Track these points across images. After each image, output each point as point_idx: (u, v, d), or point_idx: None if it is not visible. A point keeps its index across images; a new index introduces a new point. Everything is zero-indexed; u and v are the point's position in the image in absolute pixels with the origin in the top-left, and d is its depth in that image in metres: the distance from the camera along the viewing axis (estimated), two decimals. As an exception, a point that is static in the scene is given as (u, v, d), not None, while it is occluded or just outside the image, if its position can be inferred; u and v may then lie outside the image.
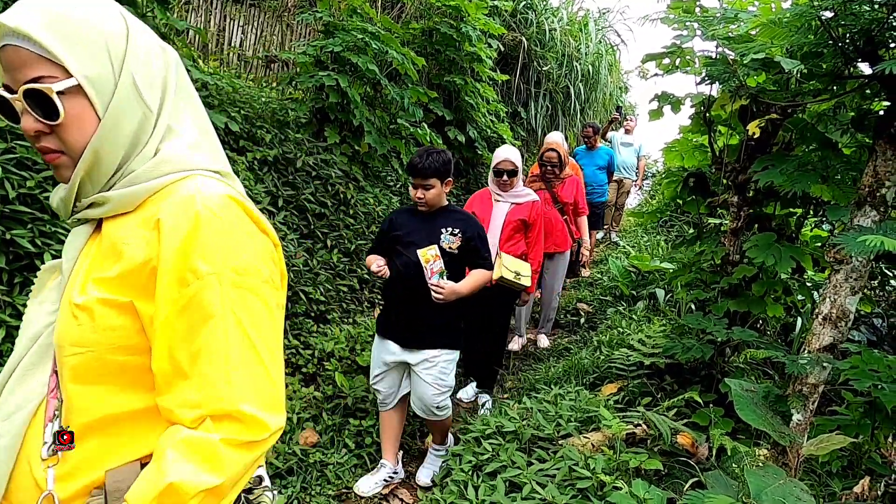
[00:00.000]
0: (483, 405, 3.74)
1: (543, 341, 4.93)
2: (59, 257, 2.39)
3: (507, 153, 3.63)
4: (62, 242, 2.41)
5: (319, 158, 4.49)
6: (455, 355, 2.75)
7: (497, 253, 3.56)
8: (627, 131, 8.16)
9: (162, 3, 3.42)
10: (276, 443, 2.72)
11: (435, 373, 2.65)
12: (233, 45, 5.96)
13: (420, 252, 2.52)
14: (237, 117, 4.02)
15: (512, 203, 3.67)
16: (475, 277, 2.69)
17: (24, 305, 2.27)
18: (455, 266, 2.67)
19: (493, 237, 3.61)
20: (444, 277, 2.58)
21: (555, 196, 4.62)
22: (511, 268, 3.47)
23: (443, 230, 2.64)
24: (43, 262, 2.31)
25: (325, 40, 4.57)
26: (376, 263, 2.65)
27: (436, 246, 2.57)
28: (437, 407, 2.70)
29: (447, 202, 2.77)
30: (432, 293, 2.55)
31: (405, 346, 2.67)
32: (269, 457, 2.58)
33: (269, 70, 6.09)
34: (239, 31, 6.02)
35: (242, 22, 6.02)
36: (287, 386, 3.18)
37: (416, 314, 2.63)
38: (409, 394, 2.84)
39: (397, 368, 2.77)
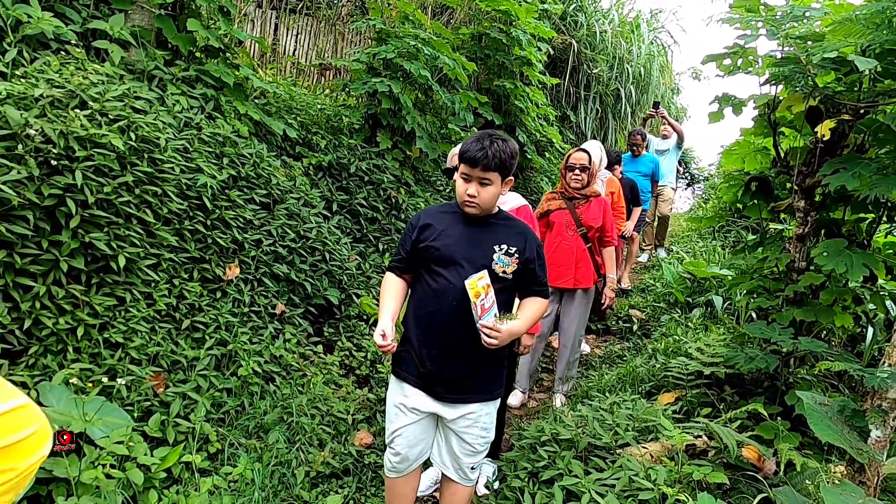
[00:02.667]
0: (488, 479, 2.81)
1: (558, 400, 3.82)
2: (133, 260, 2.50)
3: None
4: (135, 245, 2.54)
5: (372, 163, 4.56)
6: (498, 401, 2.16)
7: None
8: (665, 136, 7.53)
9: (225, 14, 3.55)
10: (333, 443, 2.77)
11: (476, 430, 2.04)
12: (287, 53, 6.12)
13: (468, 283, 1.80)
14: (294, 124, 4.13)
15: None
16: (532, 310, 2.04)
17: (100, 305, 2.40)
18: (505, 295, 2.01)
19: None
20: (497, 313, 1.91)
21: (577, 219, 3.74)
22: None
23: (496, 247, 1.96)
24: (118, 264, 2.43)
25: (377, 47, 4.65)
26: (380, 332, 1.92)
27: (486, 273, 1.87)
28: (472, 468, 2.12)
29: (497, 207, 2.09)
30: (483, 337, 1.86)
31: (439, 399, 2.02)
32: (325, 457, 2.64)
33: (322, 77, 6.23)
34: (293, 39, 6.19)
35: (297, 31, 6.18)
36: (341, 387, 3.23)
37: (455, 359, 1.97)
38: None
39: (426, 422, 2.09)
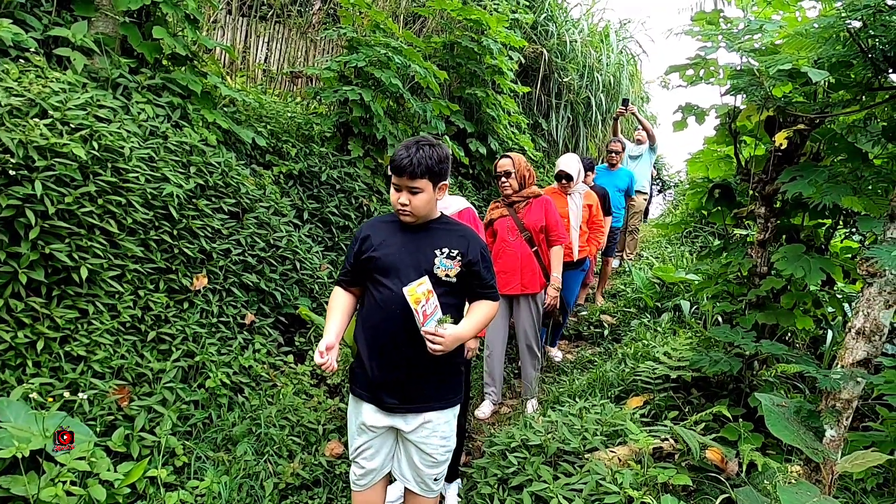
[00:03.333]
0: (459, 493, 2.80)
1: (529, 407, 3.75)
2: (96, 271, 2.46)
3: None
4: (98, 256, 2.49)
5: (343, 172, 4.55)
6: (458, 408, 2.11)
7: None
8: (638, 141, 7.26)
9: (192, 22, 3.52)
10: (303, 454, 2.74)
11: (435, 440, 2.00)
12: (258, 61, 6.09)
13: (407, 290, 1.76)
14: (264, 132, 4.10)
15: None
16: (480, 314, 1.99)
17: (61, 317, 2.35)
18: (452, 298, 1.97)
19: None
20: (441, 319, 1.86)
21: (519, 223, 3.63)
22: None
23: (437, 251, 1.93)
24: (80, 276, 2.38)
25: (348, 55, 4.66)
26: (320, 350, 1.88)
27: (426, 279, 1.83)
28: (435, 479, 2.08)
29: (439, 212, 2.07)
30: (427, 344, 1.82)
31: (393, 412, 1.98)
32: (295, 468, 2.61)
33: (293, 85, 6.20)
34: (264, 47, 6.16)
35: (268, 38, 6.16)
36: (312, 397, 3.21)
37: (404, 368, 1.93)
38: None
39: (384, 436, 2.05)
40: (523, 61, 7.46)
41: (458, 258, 1.94)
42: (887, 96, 2.13)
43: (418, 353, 1.90)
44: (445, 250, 1.94)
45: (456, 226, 2.06)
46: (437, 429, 2.00)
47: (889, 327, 1.96)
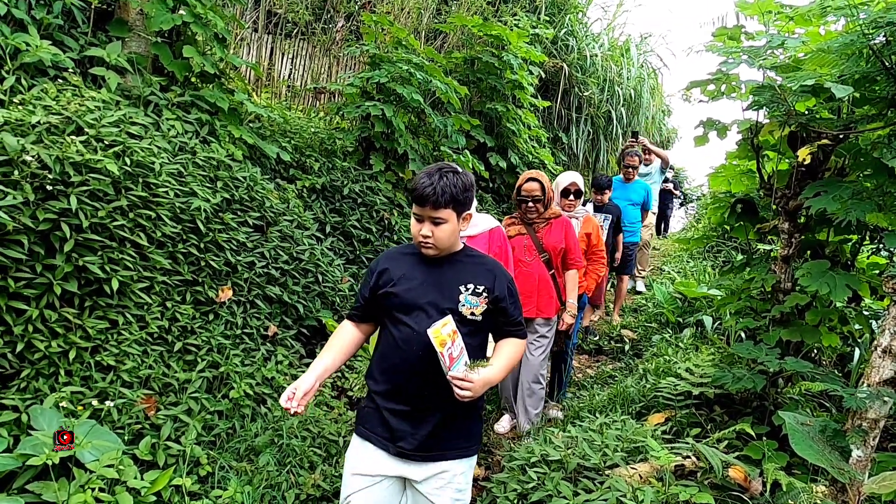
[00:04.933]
0: None
1: (504, 423, 3.66)
2: (126, 283, 2.52)
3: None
4: (128, 269, 2.57)
5: (365, 186, 4.61)
6: (475, 458, 1.96)
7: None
8: (646, 162, 7.01)
9: (221, 41, 3.62)
10: (324, 465, 2.77)
11: (449, 493, 1.82)
12: (283, 77, 6.22)
13: (432, 333, 1.62)
14: (288, 147, 4.19)
15: (462, 236, 2.88)
16: (509, 353, 1.86)
17: (93, 328, 2.42)
18: (476, 338, 1.84)
19: None
20: (467, 361, 1.73)
21: (538, 243, 3.50)
22: None
23: (462, 287, 1.80)
24: (111, 287, 2.46)
25: (370, 72, 4.74)
26: (289, 392, 1.71)
27: (450, 319, 1.70)
28: None
29: (461, 244, 1.92)
30: (455, 390, 1.67)
31: (405, 458, 1.80)
32: (316, 479, 2.64)
33: (317, 101, 6.32)
34: (289, 63, 6.30)
35: (292, 55, 6.29)
36: (333, 409, 3.24)
37: (424, 415, 1.79)
38: None
39: (387, 488, 1.85)
40: (543, 76, 7.50)
41: (485, 295, 1.81)
42: (912, 112, 2.11)
43: (439, 398, 1.75)
44: (471, 286, 1.81)
45: (481, 258, 1.93)
46: (452, 480, 1.82)
47: (917, 346, 1.92)
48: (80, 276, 2.43)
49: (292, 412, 1.68)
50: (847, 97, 2.58)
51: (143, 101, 3.18)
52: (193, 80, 3.62)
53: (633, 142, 6.73)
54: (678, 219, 13.55)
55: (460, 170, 1.82)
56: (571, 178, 3.99)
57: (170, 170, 2.93)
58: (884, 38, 1.91)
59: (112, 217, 2.54)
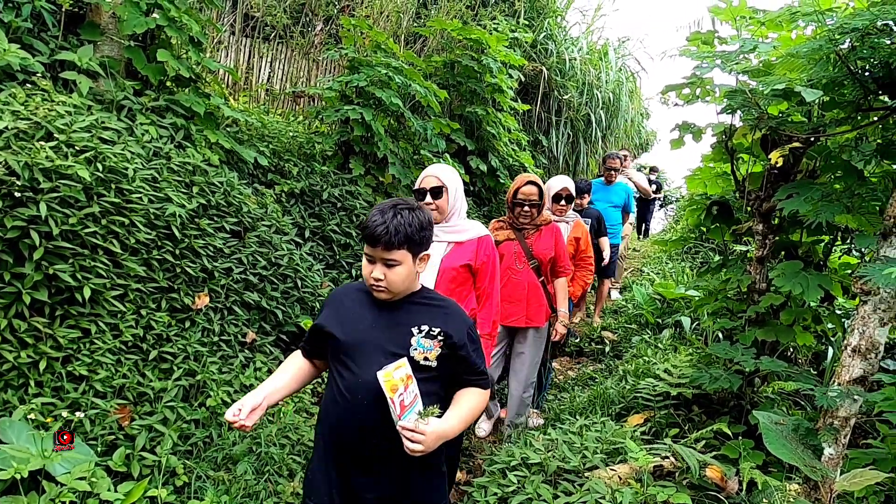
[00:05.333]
0: None
1: (484, 426, 3.64)
2: (99, 291, 2.48)
3: (431, 169, 2.63)
4: (101, 276, 2.52)
5: (345, 190, 4.59)
6: None
7: None
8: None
9: (196, 45, 3.58)
10: (303, 473, 2.74)
11: None
12: (261, 81, 6.17)
13: (382, 376, 1.47)
14: (266, 151, 4.15)
15: (449, 242, 2.59)
16: (468, 405, 1.68)
17: (64, 337, 2.37)
18: (433, 385, 1.66)
19: None
20: (421, 410, 1.54)
21: (527, 250, 3.41)
22: None
23: (413, 330, 1.64)
24: (83, 296, 2.41)
25: (349, 75, 4.72)
26: (237, 407, 1.56)
27: (405, 362, 1.55)
28: None
29: (419, 285, 1.76)
30: (405, 442, 1.49)
31: None
32: (295, 487, 2.61)
33: (296, 105, 6.28)
34: (267, 67, 6.25)
35: (270, 59, 6.25)
36: (313, 415, 3.21)
37: (376, 475, 1.64)
38: None
39: None
40: (523, 79, 7.54)
41: (440, 338, 1.64)
42: (878, 117, 2.16)
43: (393, 453, 1.55)
44: (425, 328, 1.64)
45: (441, 301, 1.77)
46: None
47: (885, 344, 1.96)
48: (50, 285, 2.38)
49: (238, 425, 1.53)
50: (817, 101, 2.64)
51: (115, 105, 3.13)
52: (168, 84, 3.57)
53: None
54: (658, 220, 13.71)
55: (416, 205, 1.68)
56: (563, 182, 3.96)
57: (144, 175, 2.89)
58: (850, 44, 1.95)
59: (84, 224, 2.49)
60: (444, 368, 1.67)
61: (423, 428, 1.49)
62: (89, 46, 3.14)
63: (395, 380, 1.49)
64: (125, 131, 3.00)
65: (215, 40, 5.53)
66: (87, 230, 2.49)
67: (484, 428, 3.73)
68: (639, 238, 11.46)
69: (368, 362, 1.58)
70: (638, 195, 9.03)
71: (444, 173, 2.58)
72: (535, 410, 3.91)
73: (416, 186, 2.60)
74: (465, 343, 1.69)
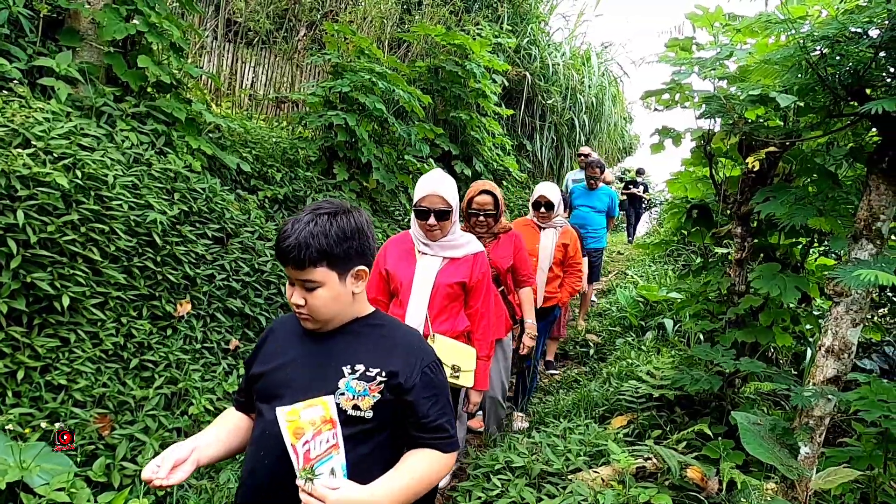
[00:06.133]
0: None
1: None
2: (78, 299, 2.45)
3: (435, 185, 2.41)
4: (80, 284, 2.50)
5: (329, 195, 4.59)
6: None
7: (426, 334, 2.38)
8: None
9: (177, 51, 3.57)
10: (287, 480, 2.73)
11: None
12: (244, 86, 6.15)
13: (284, 414, 1.18)
14: (249, 157, 4.14)
15: (444, 258, 2.47)
16: (412, 472, 1.28)
17: (42, 346, 2.34)
18: (368, 444, 1.29)
19: (419, 309, 2.42)
20: (336, 467, 1.19)
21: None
22: (446, 358, 2.31)
23: (345, 369, 1.30)
24: (62, 304, 2.39)
25: (333, 81, 4.73)
26: (154, 464, 1.24)
27: (324, 401, 1.22)
28: None
29: (370, 307, 1.44)
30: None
31: None
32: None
33: (279, 110, 6.27)
34: (250, 72, 6.23)
35: (254, 64, 6.23)
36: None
37: None
38: None
39: None
40: (507, 84, 7.60)
41: (380, 380, 1.28)
42: (847, 122, 2.21)
43: None
44: (359, 368, 1.29)
45: (393, 330, 1.41)
46: None
47: (857, 345, 2.01)
48: (28, 294, 2.36)
49: (155, 485, 1.22)
50: (792, 106, 2.69)
51: (95, 112, 3.10)
52: (149, 90, 3.55)
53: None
54: (643, 223, 13.83)
55: (342, 209, 1.32)
56: (541, 190, 3.89)
57: (124, 182, 2.87)
58: (821, 51, 2.00)
59: (62, 232, 2.47)
60: (386, 422, 1.30)
61: (322, 492, 1.13)
62: (68, 52, 3.12)
63: (302, 422, 1.18)
64: (105, 138, 2.98)
65: (197, 45, 5.51)
66: (65, 238, 2.47)
67: (476, 423, 3.67)
68: (628, 241, 11.56)
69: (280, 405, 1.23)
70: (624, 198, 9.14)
71: (449, 192, 2.40)
72: (521, 414, 3.91)
73: (417, 204, 2.41)
74: (416, 385, 1.30)
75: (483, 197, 3.10)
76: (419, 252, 2.48)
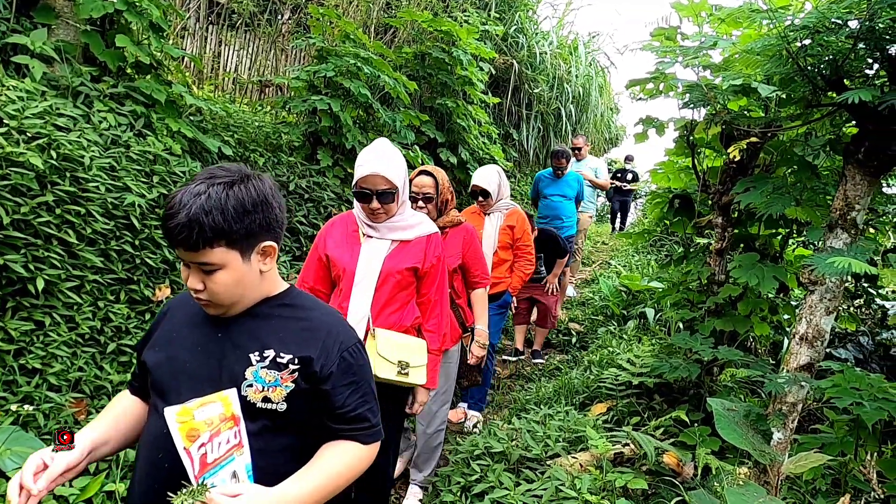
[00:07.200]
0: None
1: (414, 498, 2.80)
2: (53, 282, 2.41)
3: (374, 164, 2.06)
4: (55, 267, 2.45)
5: (312, 181, 4.55)
6: None
7: (368, 329, 2.09)
8: (577, 158, 6.59)
9: (157, 31, 3.49)
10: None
11: None
12: (227, 69, 6.06)
13: (173, 414, 1.05)
14: (231, 141, 4.09)
15: (393, 241, 2.17)
16: (327, 467, 1.17)
17: (16, 330, 2.30)
18: (283, 437, 1.18)
19: (363, 299, 2.11)
20: (240, 469, 1.08)
21: None
22: (392, 355, 2.05)
23: (252, 356, 1.16)
24: (36, 287, 2.34)
25: (317, 65, 4.66)
26: (13, 486, 1.09)
27: (224, 395, 1.10)
28: None
29: (283, 284, 1.30)
30: None
31: None
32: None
33: (262, 94, 6.18)
34: (234, 55, 6.14)
35: (237, 47, 6.14)
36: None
37: None
38: None
39: None
40: (494, 72, 7.56)
41: (292, 367, 1.15)
42: (825, 112, 2.23)
43: None
44: (269, 354, 1.15)
45: (307, 311, 1.25)
46: None
47: (830, 333, 2.04)
48: (0, 276, 2.31)
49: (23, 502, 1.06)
50: (774, 97, 2.71)
51: (71, 91, 3.04)
52: (128, 70, 3.48)
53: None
54: (632, 214, 13.89)
55: (242, 176, 1.13)
56: (475, 179, 3.66)
57: (101, 164, 2.81)
58: (801, 41, 2.01)
59: (36, 213, 2.42)
60: (301, 412, 1.17)
61: (222, 501, 1.00)
62: (43, 30, 3.04)
63: (197, 422, 1.03)
64: (81, 118, 2.92)
65: (179, 27, 5.41)
66: (40, 220, 2.42)
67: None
68: (612, 232, 11.61)
69: (180, 403, 1.09)
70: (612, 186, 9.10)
71: (391, 170, 2.05)
72: (475, 413, 3.72)
73: (356, 185, 2.08)
74: (334, 373, 1.18)
75: (422, 178, 2.65)
76: (364, 235, 2.15)
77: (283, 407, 1.14)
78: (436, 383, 2.27)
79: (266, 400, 1.13)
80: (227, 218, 1.07)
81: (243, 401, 1.11)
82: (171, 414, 1.03)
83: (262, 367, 1.14)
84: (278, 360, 1.15)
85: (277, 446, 1.15)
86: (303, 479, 1.12)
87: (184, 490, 1.01)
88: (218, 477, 1.04)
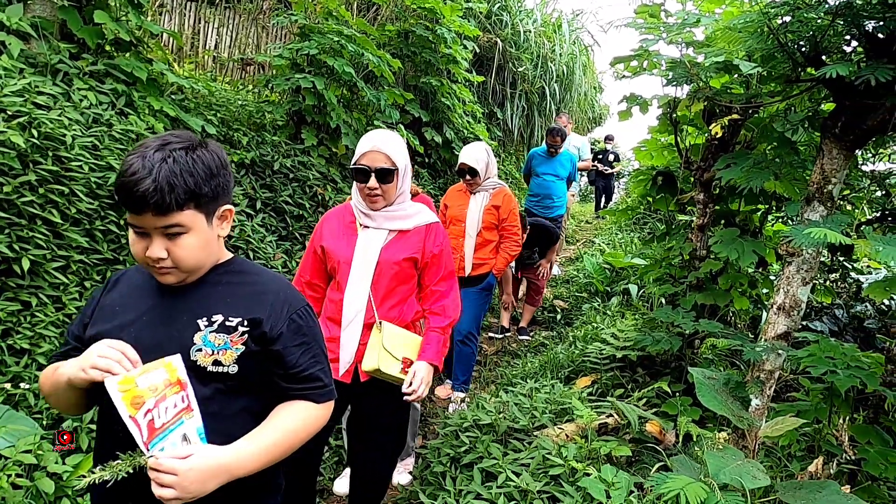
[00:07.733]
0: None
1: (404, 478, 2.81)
2: (39, 262, 2.40)
3: (377, 140, 1.98)
4: (40, 247, 2.44)
5: (297, 160, 4.52)
6: None
7: (365, 323, 2.00)
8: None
9: (136, 6, 3.43)
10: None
11: None
12: (208, 47, 5.96)
13: (115, 385, 1.03)
14: (214, 120, 4.04)
15: (391, 230, 2.05)
16: (280, 426, 1.19)
17: (2, 310, 2.29)
18: (237, 400, 1.18)
19: (359, 291, 2.00)
20: (190, 432, 1.08)
21: None
22: (396, 350, 1.96)
23: (201, 322, 1.16)
24: (21, 267, 2.33)
25: (300, 43, 4.61)
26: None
27: (167, 361, 1.09)
28: None
29: (228, 253, 1.28)
30: (153, 486, 1.02)
31: None
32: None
33: (244, 73, 6.10)
34: (214, 33, 6.03)
35: (217, 24, 6.03)
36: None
37: None
38: None
39: None
40: (478, 51, 7.52)
41: (241, 330, 1.16)
42: (804, 88, 2.28)
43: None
44: (217, 318, 1.16)
45: (254, 276, 1.26)
46: None
47: (806, 303, 2.11)
48: (-15, 256, 2.30)
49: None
50: (755, 74, 2.75)
51: (50, 69, 2.98)
52: (108, 48, 3.42)
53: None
54: (617, 194, 13.98)
55: (198, 142, 1.15)
56: (462, 157, 3.56)
57: (83, 143, 2.78)
58: (784, 18, 2.04)
59: (19, 193, 2.40)
60: (253, 374, 1.18)
61: (170, 464, 1.00)
62: (19, 5, 2.97)
63: (141, 389, 1.03)
64: (62, 97, 2.87)
65: (157, 3, 5.29)
66: (23, 199, 2.40)
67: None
68: (596, 212, 11.69)
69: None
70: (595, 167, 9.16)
71: (393, 149, 1.97)
72: (459, 394, 3.65)
73: (356, 162, 1.97)
74: (284, 334, 1.19)
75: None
76: (360, 225, 2.04)
77: (234, 369, 1.15)
78: (441, 361, 2.08)
79: (216, 363, 1.14)
80: (197, 181, 1.10)
81: (193, 365, 1.12)
82: (113, 383, 1.03)
83: (210, 332, 1.15)
84: (227, 323, 1.16)
85: (232, 409, 1.17)
86: (256, 437, 1.15)
87: (120, 458, 1.02)
88: (168, 440, 1.04)
